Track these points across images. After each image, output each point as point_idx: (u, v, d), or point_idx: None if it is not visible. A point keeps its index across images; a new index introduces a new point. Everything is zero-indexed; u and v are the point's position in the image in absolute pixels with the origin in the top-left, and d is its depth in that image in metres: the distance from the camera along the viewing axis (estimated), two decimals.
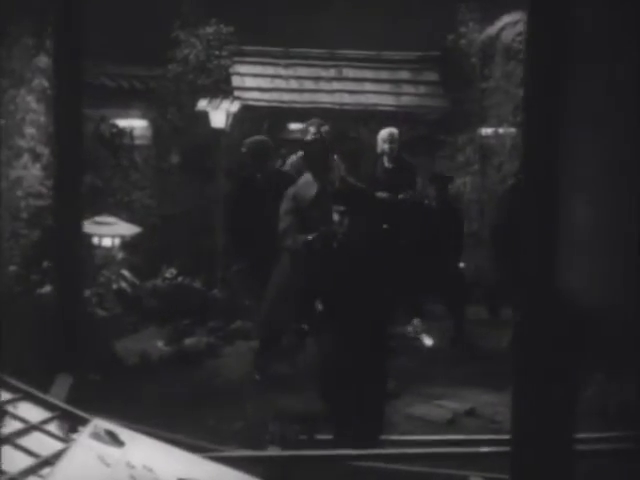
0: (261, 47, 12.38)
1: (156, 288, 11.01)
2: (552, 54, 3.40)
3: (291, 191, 8.28)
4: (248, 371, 8.45)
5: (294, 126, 13.09)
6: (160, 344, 9.71)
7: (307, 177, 8.32)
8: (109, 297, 10.50)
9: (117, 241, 11.19)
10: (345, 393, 6.38)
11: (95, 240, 11.05)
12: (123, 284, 10.82)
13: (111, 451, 4.30)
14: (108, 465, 4.18)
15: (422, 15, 12.11)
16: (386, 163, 10.14)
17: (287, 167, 9.78)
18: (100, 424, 4.48)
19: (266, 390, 7.83)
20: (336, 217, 6.53)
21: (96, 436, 4.39)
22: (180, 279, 11.13)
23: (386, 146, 10.09)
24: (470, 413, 7.63)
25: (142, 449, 4.42)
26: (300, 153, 9.53)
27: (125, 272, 10.98)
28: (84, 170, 9.98)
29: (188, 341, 9.73)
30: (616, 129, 3.15)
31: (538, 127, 3.46)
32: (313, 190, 8.10)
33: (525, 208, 3.55)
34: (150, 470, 4.24)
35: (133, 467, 4.24)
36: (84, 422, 4.63)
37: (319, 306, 6.60)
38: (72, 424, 4.67)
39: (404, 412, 7.57)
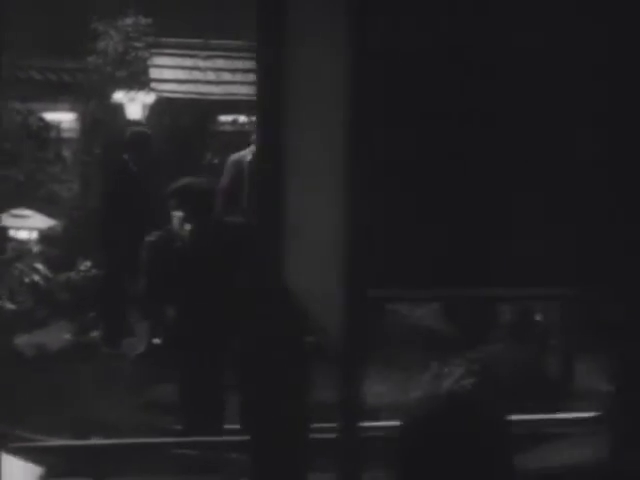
0: (180, 39, 12.33)
1: (70, 281, 10.99)
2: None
3: None
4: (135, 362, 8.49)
5: (224, 118, 13.09)
6: (67, 337, 9.73)
7: None
8: (21, 290, 10.51)
9: (33, 234, 11.19)
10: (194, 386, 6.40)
11: (11, 233, 11.06)
12: (36, 277, 10.80)
13: None
14: None
15: None
16: None
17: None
18: None
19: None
20: (176, 221, 6.38)
21: None
22: (94, 272, 11.11)
23: None
24: None
25: None
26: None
27: (39, 265, 10.96)
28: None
29: (94, 334, 9.76)
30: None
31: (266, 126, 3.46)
32: None
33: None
34: None
35: None
36: None
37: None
38: None
39: None
